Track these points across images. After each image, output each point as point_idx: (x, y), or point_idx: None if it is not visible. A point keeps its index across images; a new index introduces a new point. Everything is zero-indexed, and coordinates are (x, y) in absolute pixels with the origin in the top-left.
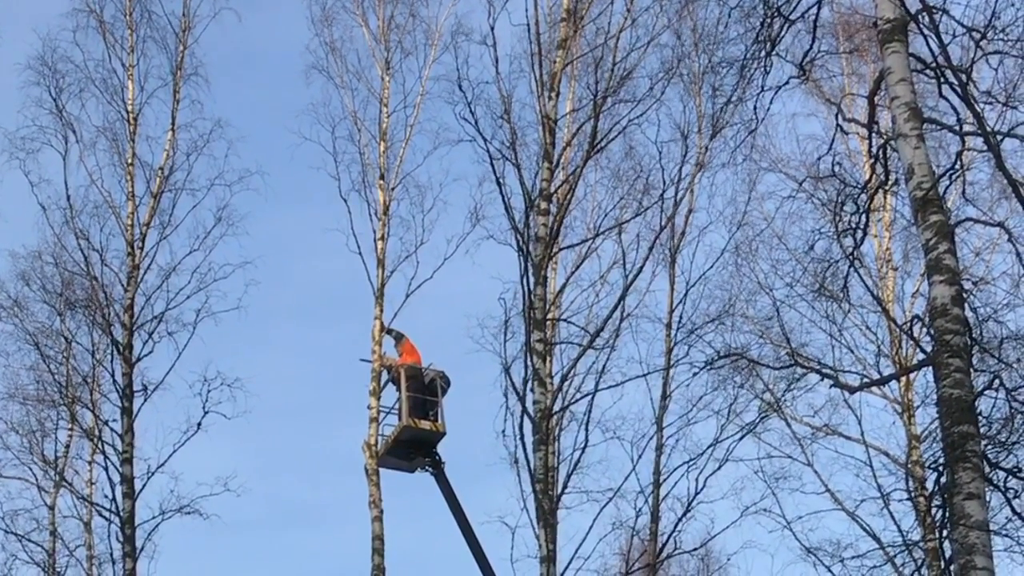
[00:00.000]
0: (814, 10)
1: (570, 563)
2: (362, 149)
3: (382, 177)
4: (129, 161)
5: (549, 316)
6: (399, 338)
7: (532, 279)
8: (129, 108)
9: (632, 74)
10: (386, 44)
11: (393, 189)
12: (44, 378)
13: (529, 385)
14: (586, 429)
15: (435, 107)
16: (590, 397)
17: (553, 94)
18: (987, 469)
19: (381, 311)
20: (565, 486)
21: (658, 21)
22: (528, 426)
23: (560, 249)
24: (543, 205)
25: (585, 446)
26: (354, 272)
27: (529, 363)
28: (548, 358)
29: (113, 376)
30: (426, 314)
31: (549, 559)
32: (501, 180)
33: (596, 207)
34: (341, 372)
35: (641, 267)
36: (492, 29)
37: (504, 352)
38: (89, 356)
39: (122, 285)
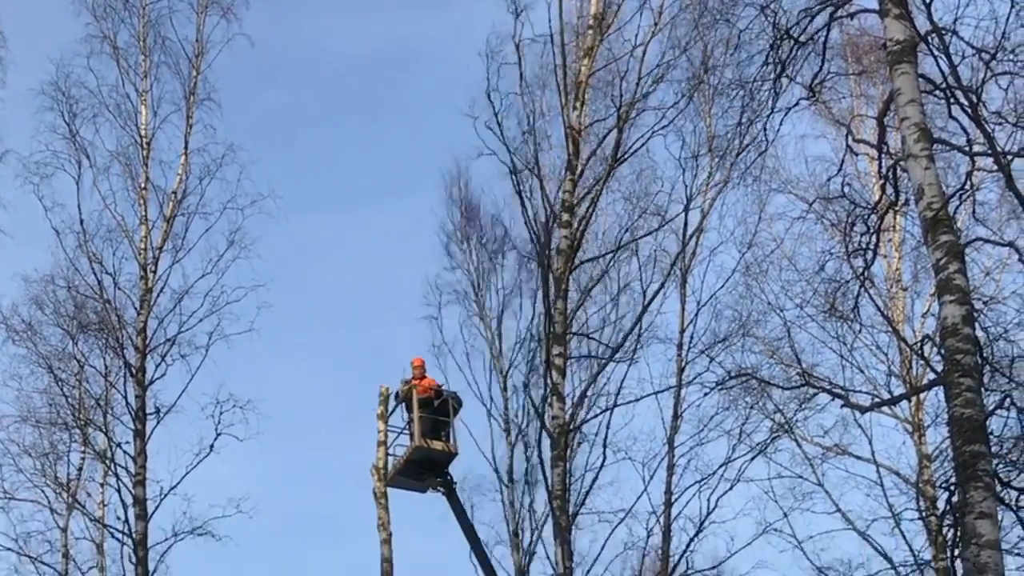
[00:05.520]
0: (823, 32)
1: None
2: None
3: None
4: (142, 185)
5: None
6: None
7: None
8: (142, 133)
9: (662, 79)
10: None
11: None
12: (57, 401)
13: (548, 401)
14: (604, 445)
15: None
16: (608, 413)
17: (578, 103)
18: (999, 488)
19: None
20: (581, 504)
21: (683, 32)
22: (546, 442)
23: (580, 263)
24: (565, 217)
25: (603, 463)
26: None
27: (548, 379)
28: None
29: (126, 398)
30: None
31: None
32: (524, 194)
33: (607, 228)
34: (357, 381)
35: (660, 287)
36: (517, 47)
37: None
38: (102, 379)
39: (135, 308)
